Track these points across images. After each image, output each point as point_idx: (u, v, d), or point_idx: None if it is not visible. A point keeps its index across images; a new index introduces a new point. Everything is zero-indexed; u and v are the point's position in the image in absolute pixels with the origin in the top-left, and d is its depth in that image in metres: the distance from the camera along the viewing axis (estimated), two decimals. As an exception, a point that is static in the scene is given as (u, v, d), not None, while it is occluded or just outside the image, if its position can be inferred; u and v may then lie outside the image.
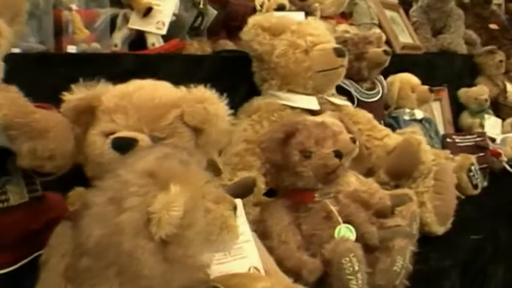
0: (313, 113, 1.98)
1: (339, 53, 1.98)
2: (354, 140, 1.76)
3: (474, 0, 4.03)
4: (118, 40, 1.94)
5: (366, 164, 2.01)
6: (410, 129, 2.30)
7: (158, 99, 1.25)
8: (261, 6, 2.43)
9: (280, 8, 2.47)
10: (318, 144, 1.55)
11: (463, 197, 2.31)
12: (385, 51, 2.39)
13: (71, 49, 1.78)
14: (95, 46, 1.84)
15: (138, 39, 1.99)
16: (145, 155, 1.06)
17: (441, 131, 3.15)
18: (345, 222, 1.58)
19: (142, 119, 1.22)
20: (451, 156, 2.07)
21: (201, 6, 2.15)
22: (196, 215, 1.01)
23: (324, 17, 2.78)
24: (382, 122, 2.48)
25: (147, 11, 1.92)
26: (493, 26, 3.97)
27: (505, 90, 3.63)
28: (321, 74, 1.98)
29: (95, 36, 1.87)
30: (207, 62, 2.02)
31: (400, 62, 2.99)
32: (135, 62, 1.80)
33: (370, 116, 2.12)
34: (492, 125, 3.34)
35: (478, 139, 2.71)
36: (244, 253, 1.31)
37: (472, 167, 2.43)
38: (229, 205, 1.09)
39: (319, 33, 2.03)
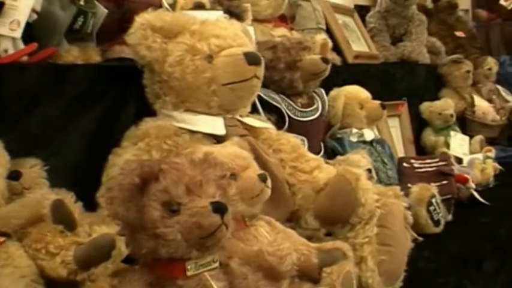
0: (218, 138, 1.42)
1: (251, 60, 1.43)
2: (263, 179, 1.21)
3: (438, 5, 3.49)
4: (-35, 46, 1.39)
5: (289, 207, 1.45)
6: (352, 156, 1.76)
7: None
8: (172, 5, 1.86)
9: (198, 7, 1.92)
10: (191, 192, 0.99)
11: (420, 239, 1.74)
12: (323, 59, 1.84)
13: None
14: None
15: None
16: None
17: (399, 153, 2.60)
18: (238, 302, 1.02)
19: None
20: (400, 193, 1.49)
21: (82, 3, 1.58)
22: None
23: (260, 21, 2.28)
24: (322, 145, 1.92)
25: (-2, 7, 1.37)
26: (459, 34, 3.46)
27: (472, 104, 3.09)
28: (228, 87, 1.44)
29: None
30: (76, 74, 1.47)
31: (351, 73, 2.47)
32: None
33: (296, 142, 1.58)
34: (459, 144, 2.80)
35: (440, 164, 2.15)
36: None
37: (433, 200, 1.89)
38: None
39: (228, 35, 1.48)
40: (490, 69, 3.28)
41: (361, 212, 1.39)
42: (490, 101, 3.20)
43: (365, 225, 1.39)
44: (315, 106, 1.92)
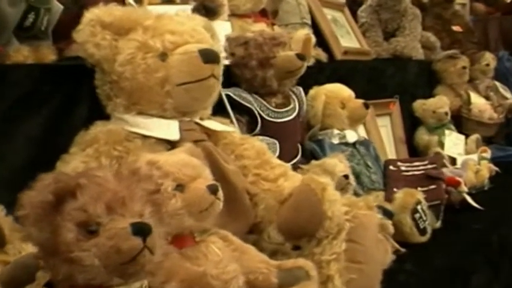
0: (173, 144, 1.29)
1: (207, 58, 1.29)
2: (213, 190, 1.07)
3: (434, -1, 3.33)
4: None
5: (249, 219, 1.31)
6: (328, 161, 1.62)
7: None
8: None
9: (168, 1, 1.80)
10: (112, 211, 0.85)
11: (403, 250, 1.61)
12: (298, 56, 1.70)
13: None
14: None
15: None
16: None
17: (390, 153, 2.46)
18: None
19: None
20: (373, 204, 1.35)
21: (32, -2, 1.45)
22: None
23: (239, 16, 2.15)
24: (300, 147, 1.78)
25: None
26: (456, 28, 3.30)
27: (468, 102, 2.93)
28: (183, 88, 1.30)
29: None
30: (18, 75, 1.33)
31: (336, 70, 2.32)
32: None
33: (262, 147, 1.44)
34: (454, 143, 2.65)
35: (429, 166, 2.00)
36: None
37: (418, 207, 1.74)
38: None
39: (185, 31, 1.34)
40: (487, 64, 3.13)
41: (328, 226, 1.24)
42: (487, 98, 3.04)
43: (332, 240, 1.25)
44: (291, 106, 1.78)
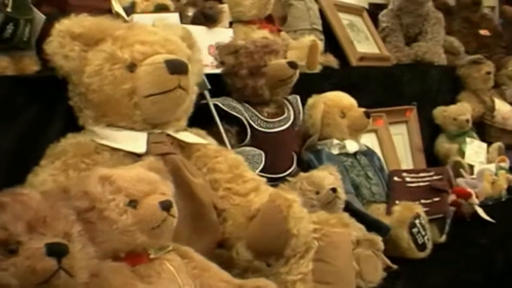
0: (141, 156, 1.26)
1: (173, 69, 1.25)
2: (166, 207, 1.05)
3: (461, 2, 3.22)
4: None
5: (216, 235, 1.27)
6: (317, 173, 1.58)
7: None
8: (128, 8, 1.71)
9: (161, 9, 1.78)
10: (33, 230, 0.83)
11: (394, 267, 1.55)
12: (290, 64, 1.65)
13: None
14: None
15: None
16: None
17: (406, 162, 2.39)
18: None
19: None
20: (349, 221, 1.29)
21: (10, 10, 1.44)
22: None
23: (245, 22, 2.12)
24: (294, 158, 1.74)
25: None
26: (483, 32, 3.19)
27: (492, 108, 2.82)
28: (149, 99, 1.26)
29: None
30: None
31: (350, 77, 2.26)
32: None
33: (236, 160, 1.39)
34: (475, 151, 2.56)
35: (435, 178, 1.92)
36: None
37: (417, 221, 1.68)
38: None
39: (157, 41, 1.31)
40: (515, 70, 3.01)
41: (294, 244, 1.19)
42: (513, 104, 2.93)
43: (300, 260, 1.20)
44: (284, 116, 1.73)
